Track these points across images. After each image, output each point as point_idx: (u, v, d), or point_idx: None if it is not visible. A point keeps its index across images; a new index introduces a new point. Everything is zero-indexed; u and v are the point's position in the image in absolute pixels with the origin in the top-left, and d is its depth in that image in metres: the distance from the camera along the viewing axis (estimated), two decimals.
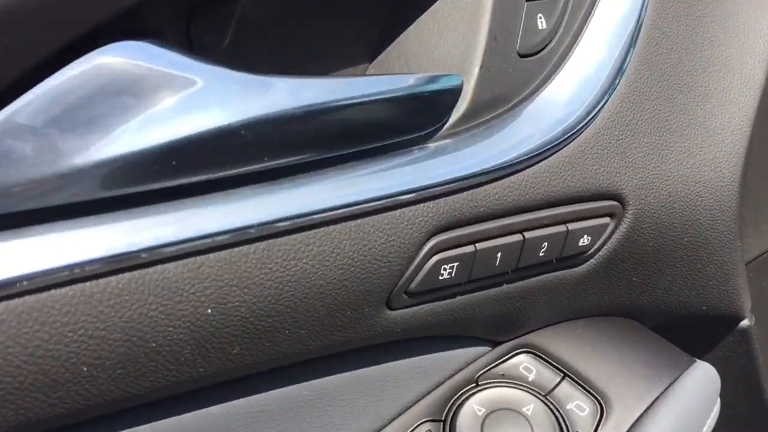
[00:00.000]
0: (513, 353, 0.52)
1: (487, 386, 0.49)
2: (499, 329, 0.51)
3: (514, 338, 0.53)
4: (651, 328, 0.59)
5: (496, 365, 0.51)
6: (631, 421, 0.47)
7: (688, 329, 0.63)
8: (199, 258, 0.32)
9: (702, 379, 0.52)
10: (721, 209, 0.55)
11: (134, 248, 0.30)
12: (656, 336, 0.57)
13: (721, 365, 0.59)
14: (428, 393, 0.50)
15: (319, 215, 0.35)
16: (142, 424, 0.37)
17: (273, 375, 0.41)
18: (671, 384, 0.50)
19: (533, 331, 0.54)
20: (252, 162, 0.34)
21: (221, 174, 0.33)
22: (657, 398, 0.49)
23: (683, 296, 0.57)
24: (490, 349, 0.53)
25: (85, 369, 0.30)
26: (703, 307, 0.60)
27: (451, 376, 0.51)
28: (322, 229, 0.36)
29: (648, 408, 0.48)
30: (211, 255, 0.32)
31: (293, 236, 0.35)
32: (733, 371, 0.62)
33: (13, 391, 0.29)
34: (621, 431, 0.47)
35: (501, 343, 0.53)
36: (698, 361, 0.54)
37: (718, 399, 0.53)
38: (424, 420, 0.47)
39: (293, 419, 0.43)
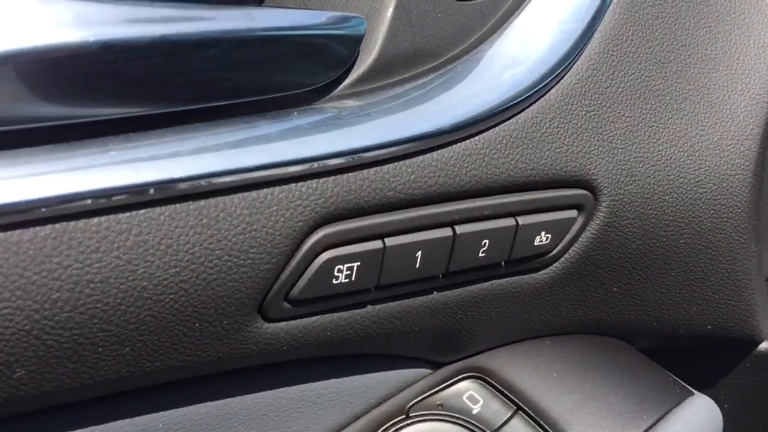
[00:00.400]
0: (456, 378, 0.42)
1: (418, 419, 0.39)
2: (439, 348, 0.41)
3: (460, 359, 0.43)
4: (645, 352, 0.48)
5: (434, 393, 0.41)
6: None
7: (694, 354, 0.52)
8: None
9: (698, 417, 0.41)
10: (729, 204, 0.43)
11: None
12: (646, 360, 0.46)
13: (737, 398, 0.48)
14: (346, 426, 0.40)
15: (138, 192, 0.26)
16: None
17: (121, 402, 0.32)
18: (656, 422, 0.39)
19: (485, 351, 0.43)
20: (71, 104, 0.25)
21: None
22: None
23: (681, 313, 0.46)
24: (430, 372, 0.42)
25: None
26: (709, 327, 0.48)
27: (377, 405, 0.40)
28: (143, 211, 0.27)
29: None
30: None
31: (95, 219, 0.26)
32: (751, 405, 0.51)
33: None
34: None
35: (444, 364, 0.43)
36: (695, 393, 0.43)
37: None
38: None
39: None
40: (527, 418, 0.39)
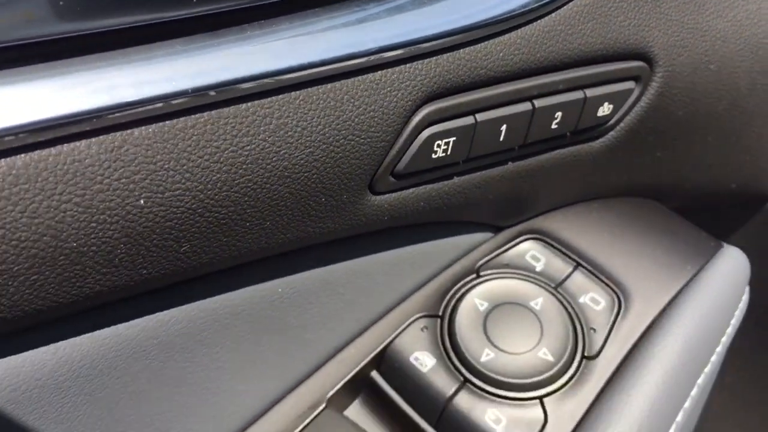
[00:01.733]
0: (518, 240, 0.46)
1: (489, 277, 0.43)
2: (503, 213, 0.45)
3: (520, 222, 0.47)
4: (673, 210, 0.53)
5: (500, 253, 0.45)
6: (653, 315, 0.42)
7: (711, 209, 0.57)
8: (118, 135, 0.25)
9: (731, 266, 0.46)
10: (762, 70, 0.47)
11: (24, 122, 0.23)
12: (680, 218, 0.51)
13: (747, 249, 0.53)
14: (423, 285, 0.44)
15: (278, 77, 0.28)
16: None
17: (246, 271, 0.35)
18: (698, 272, 0.45)
19: (541, 214, 0.47)
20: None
21: (140, 18, 0.25)
22: (682, 289, 0.43)
23: (713, 173, 0.51)
24: (493, 235, 0.46)
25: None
26: (733, 185, 0.53)
27: (449, 266, 0.45)
28: (282, 96, 0.29)
29: (671, 300, 0.43)
30: (136, 131, 0.25)
31: (245, 105, 0.28)
32: (760, 255, 0.56)
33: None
34: (641, 327, 0.41)
35: (504, 228, 0.47)
36: (726, 245, 0.48)
37: (748, 287, 0.48)
38: (420, 315, 0.42)
39: (269, 319, 0.37)
40: (587, 271, 0.44)
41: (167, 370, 0.34)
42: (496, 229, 0.46)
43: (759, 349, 0.70)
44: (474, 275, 0.44)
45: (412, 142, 0.34)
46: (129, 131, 0.25)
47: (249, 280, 0.36)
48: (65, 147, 0.24)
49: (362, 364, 0.41)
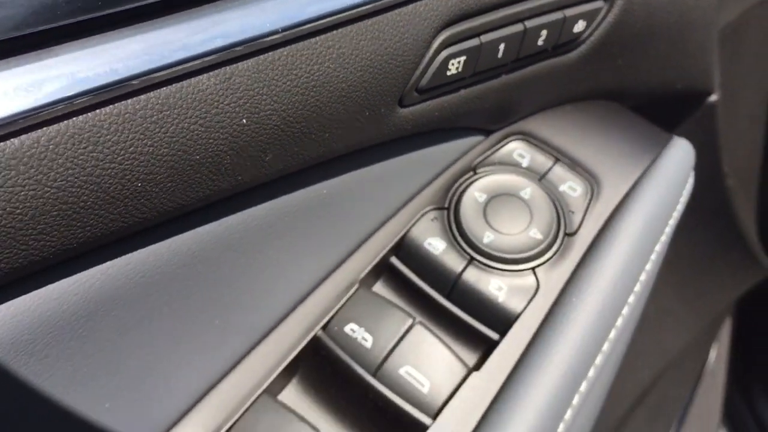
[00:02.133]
0: (506, 141, 0.54)
1: (485, 174, 0.51)
2: (494, 118, 0.53)
3: (507, 126, 0.55)
4: (630, 109, 0.61)
5: (492, 153, 0.53)
6: (620, 198, 0.51)
7: (660, 107, 0.65)
8: (228, 68, 0.31)
9: (680, 154, 0.55)
10: None
11: (165, 62, 0.29)
12: (636, 116, 0.59)
13: (690, 138, 0.62)
14: (430, 183, 0.52)
15: (338, 15, 0.34)
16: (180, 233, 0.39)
17: (291, 178, 0.42)
18: (654, 160, 0.54)
19: (524, 118, 0.55)
20: None
21: None
22: (642, 175, 0.52)
23: (663, 75, 0.59)
24: (484, 137, 0.54)
25: (139, 185, 0.31)
26: (679, 86, 0.62)
27: (450, 165, 0.52)
28: (340, 30, 0.35)
29: (634, 184, 0.52)
30: (240, 64, 0.32)
31: (315, 39, 0.34)
32: (697, 145, 0.66)
33: (78, 210, 0.29)
34: (610, 208, 0.50)
35: (494, 131, 0.55)
36: (675, 137, 0.57)
37: (693, 171, 0.57)
38: (430, 208, 0.50)
39: (310, 216, 0.45)
40: (565, 165, 0.53)
41: (224, 264, 0.41)
42: (487, 133, 0.54)
43: (692, 224, 0.81)
44: (472, 172, 0.52)
45: (432, 63, 0.41)
46: (235, 65, 0.32)
47: (300, 184, 0.43)
48: (192, 80, 0.30)
49: (384, 251, 0.49)
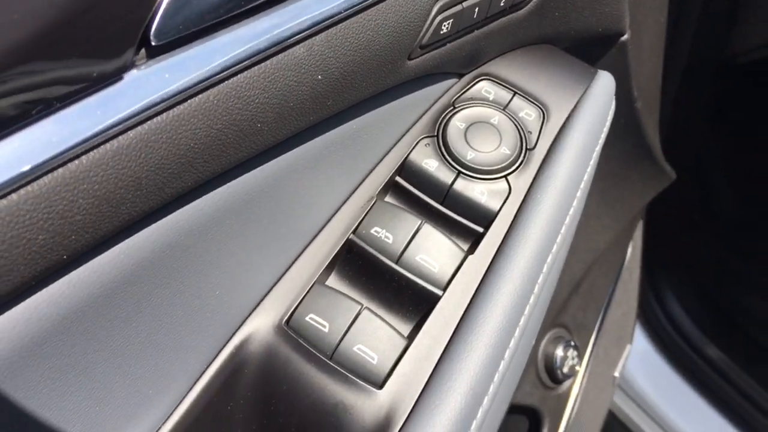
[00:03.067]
0: (475, 81, 0.69)
1: (462, 107, 0.66)
2: (466, 64, 0.67)
3: (474, 69, 0.70)
4: (564, 49, 0.77)
5: (466, 91, 0.68)
6: (564, 119, 0.67)
7: (585, 47, 0.82)
8: (310, 40, 0.45)
9: (605, 84, 0.72)
10: None
11: (275, 39, 0.43)
12: (569, 55, 0.75)
13: (609, 70, 0.79)
14: (420, 118, 0.66)
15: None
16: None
17: (333, 118, 0.56)
18: (586, 90, 0.70)
19: (487, 62, 0.70)
20: None
21: None
22: (578, 101, 0.68)
23: (588, 21, 0.75)
24: (458, 80, 0.69)
25: (259, 125, 0.44)
26: (599, 29, 0.78)
27: (434, 103, 0.67)
28: (375, 7, 0.49)
29: (573, 108, 0.68)
30: (317, 37, 0.45)
31: (359, 15, 0.48)
32: (615, 76, 0.83)
33: (222, 149, 0.43)
34: (558, 127, 0.66)
35: (464, 74, 0.69)
36: (600, 71, 0.74)
37: (614, 98, 0.74)
38: (423, 136, 0.64)
39: (341, 148, 0.59)
40: (521, 96, 0.68)
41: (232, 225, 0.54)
42: (460, 76, 0.69)
43: (610, 141, 0.99)
44: (452, 107, 0.67)
45: (431, 26, 0.55)
46: (314, 38, 0.45)
47: (337, 124, 0.57)
48: (289, 51, 0.44)
49: (392, 173, 0.63)
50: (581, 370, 1.15)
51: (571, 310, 1.12)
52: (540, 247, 0.60)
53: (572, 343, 1.09)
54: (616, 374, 1.34)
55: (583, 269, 1.11)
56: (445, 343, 0.55)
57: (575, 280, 1.10)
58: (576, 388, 1.13)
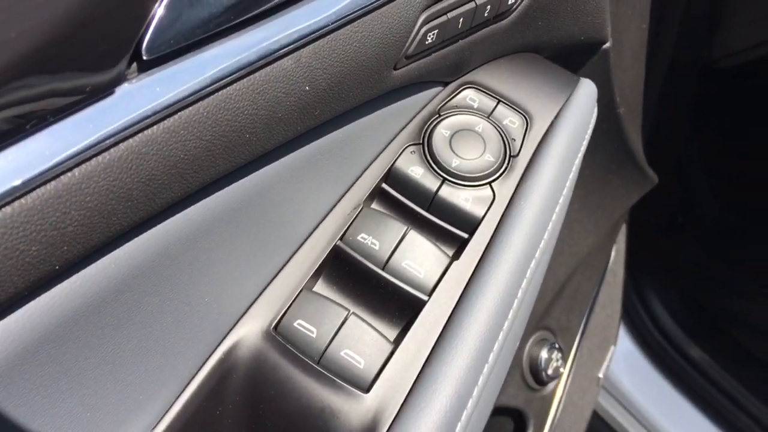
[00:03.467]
0: (460, 89, 0.70)
1: (447, 115, 0.68)
2: (450, 73, 0.69)
3: (458, 78, 0.71)
4: (547, 58, 0.79)
5: (450, 99, 0.69)
6: (547, 126, 0.68)
7: (568, 55, 0.83)
8: (297, 53, 0.46)
9: (587, 92, 0.73)
10: None
11: (264, 53, 0.43)
12: (551, 63, 0.77)
13: (591, 78, 0.81)
14: (406, 126, 0.67)
15: (360, 10, 0.49)
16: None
17: (318, 128, 0.57)
18: (568, 98, 0.71)
19: (472, 70, 0.72)
20: None
21: None
22: (561, 108, 0.70)
23: (571, 30, 0.76)
24: (443, 88, 0.70)
25: (247, 136, 0.45)
26: (582, 37, 0.79)
27: (420, 111, 0.68)
28: (362, 19, 0.50)
29: (556, 116, 0.69)
30: (305, 49, 0.46)
31: (346, 28, 0.49)
32: (596, 83, 0.84)
33: (211, 160, 0.44)
34: (540, 134, 0.68)
35: (449, 83, 0.71)
36: (582, 78, 0.75)
37: (596, 105, 0.75)
38: (409, 144, 0.66)
39: (327, 157, 0.60)
40: (505, 104, 0.69)
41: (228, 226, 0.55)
42: (445, 84, 0.70)
43: (593, 146, 1.01)
44: (437, 115, 0.68)
45: (416, 36, 0.56)
46: (301, 50, 0.46)
47: (323, 133, 0.58)
48: (276, 63, 0.45)
49: (377, 180, 0.64)
50: (565, 371, 1.17)
51: (555, 313, 1.14)
52: (523, 253, 0.61)
53: (557, 346, 1.11)
54: (600, 375, 1.36)
55: (567, 273, 1.12)
56: (431, 348, 0.57)
57: (559, 284, 1.11)
58: (560, 389, 1.14)
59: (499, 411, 1.05)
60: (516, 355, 1.05)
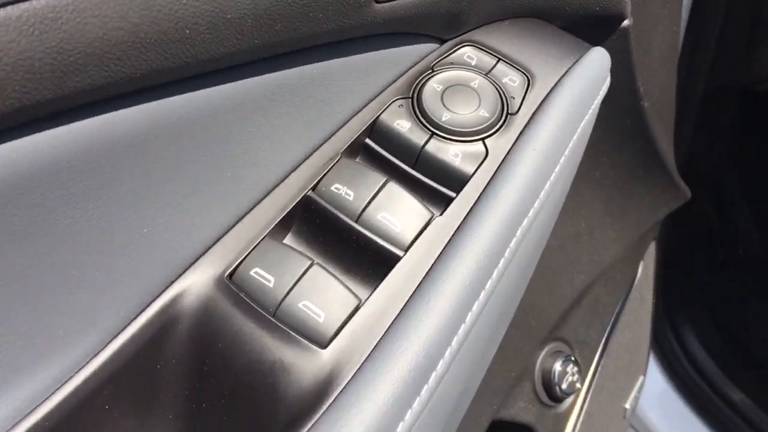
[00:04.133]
0: (458, 47, 0.65)
1: (442, 71, 0.62)
2: (447, 26, 0.64)
3: (457, 36, 0.66)
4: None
5: (447, 56, 0.64)
6: (550, 86, 0.63)
7: (582, 28, 0.77)
8: None
9: (599, 58, 0.67)
10: None
11: None
12: (561, 30, 0.71)
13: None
14: (397, 79, 0.62)
15: None
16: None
17: (291, 58, 0.52)
18: (576, 61, 0.65)
19: (472, 29, 0.67)
20: None
21: None
22: (567, 70, 0.64)
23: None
24: (440, 45, 0.65)
25: (187, 32, 0.41)
26: (597, 8, 0.74)
27: (413, 66, 0.63)
28: None
29: (561, 77, 0.63)
30: None
31: None
32: (614, 63, 0.78)
33: (140, 49, 0.39)
34: (543, 94, 0.62)
35: (447, 40, 0.66)
36: (595, 47, 0.69)
37: (609, 74, 0.69)
38: (397, 98, 0.60)
39: (303, 99, 0.55)
40: (506, 63, 0.64)
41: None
42: (441, 42, 0.65)
43: (615, 144, 0.95)
44: (430, 71, 0.63)
45: None
46: None
47: (297, 64, 0.53)
48: None
49: (359, 133, 0.59)
50: (583, 389, 1.08)
51: (571, 323, 1.05)
52: (513, 211, 0.55)
53: (572, 358, 1.02)
54: (627, 406, 1.26)
55: (586, 282, 1.04)
56: (402, 305, 0.50)
57: (577, 292, 1.03)
58: (577, 408, 1.05)
59: (507, 425, 0.96)
60: (527, 366, 0.97)
